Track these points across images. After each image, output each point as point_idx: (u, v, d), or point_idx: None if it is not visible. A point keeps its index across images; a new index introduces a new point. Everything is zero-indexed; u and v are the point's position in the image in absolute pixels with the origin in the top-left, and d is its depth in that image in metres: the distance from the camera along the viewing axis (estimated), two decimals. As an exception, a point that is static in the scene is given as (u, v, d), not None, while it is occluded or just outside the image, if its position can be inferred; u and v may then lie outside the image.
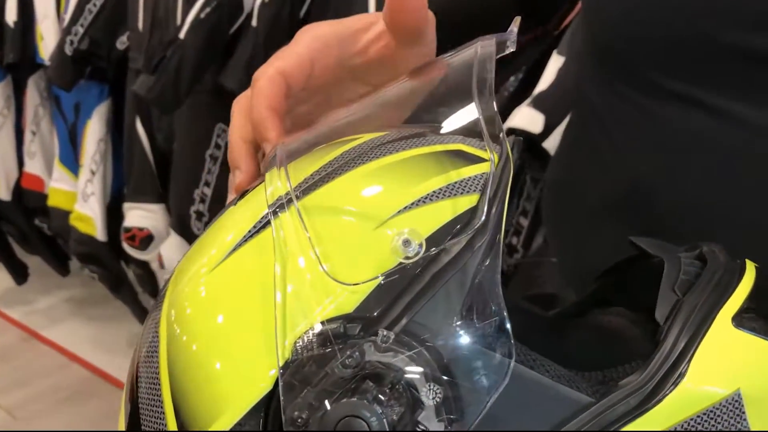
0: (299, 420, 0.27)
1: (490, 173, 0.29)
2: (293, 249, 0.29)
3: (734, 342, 0.29)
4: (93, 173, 1.59)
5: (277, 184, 0.31)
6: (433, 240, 0.28)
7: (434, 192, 0.29)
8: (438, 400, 0.27)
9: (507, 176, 0.29)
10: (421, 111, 0.35)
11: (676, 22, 0.44)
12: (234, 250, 0.31)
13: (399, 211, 0.29)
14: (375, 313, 0.28)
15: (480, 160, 0.30)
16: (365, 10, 1.22)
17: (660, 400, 0.27)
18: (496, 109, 0.30)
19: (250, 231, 0.31)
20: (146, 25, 1.40)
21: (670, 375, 0.28)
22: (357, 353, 0.27)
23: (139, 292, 1.70)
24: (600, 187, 0.53)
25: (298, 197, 0.30)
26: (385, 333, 0.27)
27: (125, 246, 1.51)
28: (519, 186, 1.07)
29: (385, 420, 0.26)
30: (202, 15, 1.24)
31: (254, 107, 0.37)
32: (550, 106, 0.93)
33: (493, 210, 0.28)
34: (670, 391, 0.27)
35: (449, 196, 0.29)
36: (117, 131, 1.60)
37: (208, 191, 1.41)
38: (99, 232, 1.60)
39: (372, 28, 0.40)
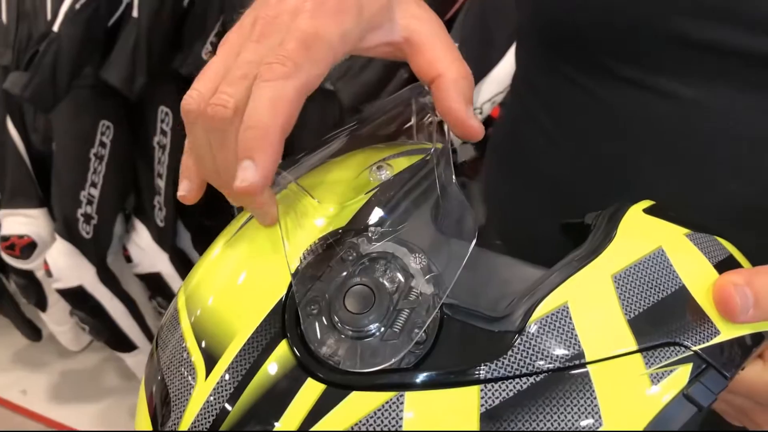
0: (313, 307, 0.31)
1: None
2: (292, 201, 0.35)
3: (647, 221, 0.36)
4: (-41, 179, 1.47)
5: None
6: (401, 173, 0.36)
7: (394, 154, 0.37)
8: (423, 263, 0.32)
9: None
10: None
11: (626, 9, 0.45)
12: (240, 228, 0.37)
13: (370, 165, 0.36)
14: (364, 226, 0.33)
15: (425, 143, 0.38)
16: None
17: (599, 253, 0.33)
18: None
19: (251, 216, 0.37)
20: (11, 17, 1.30)
21: (605, 234, 0.34)
22: (353, 249, 0.32)
23: (22, 303, 1.59)
24: (550, 170, 0.54)
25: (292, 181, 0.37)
26: (374, 229, 0.33)
27: (4, 256, 1.41)
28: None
29: (386, 284, 0.31)
30: (77, 6, 1.16)
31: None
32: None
33: (442, 146, 0.36)
34: (607, 246, 0.33)
35: (406, 155, 0.37)
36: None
37: (95, 192, 1.34)
38: (-29, 243, 1.48)
39: (387, 27, 0.35)
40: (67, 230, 1.34)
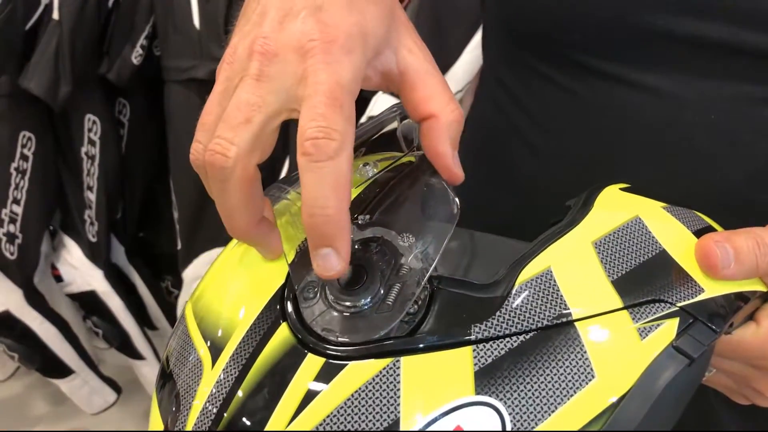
0: (310, 291, 0.33)
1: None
2: (290, 206, 0.36)
3: (623, 197, 0.38)
4: None
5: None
6: (387, 169, 0.38)
7: (380, 159, 0.39)
8: (411, 241, 0.33)
9: None
10: None
11: (601, 5, 0.45)
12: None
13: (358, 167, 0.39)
14: (354, 215, 0.35)
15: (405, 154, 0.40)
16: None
17: (578, 223, 0.35)
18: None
19: None
20: None
21: (582, 210, 0.36)
22: None
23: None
24: (526, 170, 0.54)
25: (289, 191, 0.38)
26: (363, 217, 0.34)
27: None
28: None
29: (380, 263, 0.33)
30: (-9, 9, 1.07)
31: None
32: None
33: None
34: (585, 215, 0.35)
35: (390, 159, 0.39)
36: None
37: (19, 209, 1.24)
38: None
39: (385, 55, 0.34)
40: (-11, 252, 1.24)
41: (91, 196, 1.30)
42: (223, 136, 0.31)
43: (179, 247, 1.31)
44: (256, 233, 0.34)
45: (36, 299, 1.31)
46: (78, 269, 1.33)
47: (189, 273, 1.29)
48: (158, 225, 1.45)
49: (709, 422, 0.52)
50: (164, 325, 1.50)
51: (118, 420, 1.60)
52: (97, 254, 1.34)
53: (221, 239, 1.29)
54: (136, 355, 1.43)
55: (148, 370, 1.46)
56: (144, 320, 1.46)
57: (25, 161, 1.23)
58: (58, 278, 1.35)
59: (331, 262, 0.31)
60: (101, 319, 1.39)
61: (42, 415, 1.69)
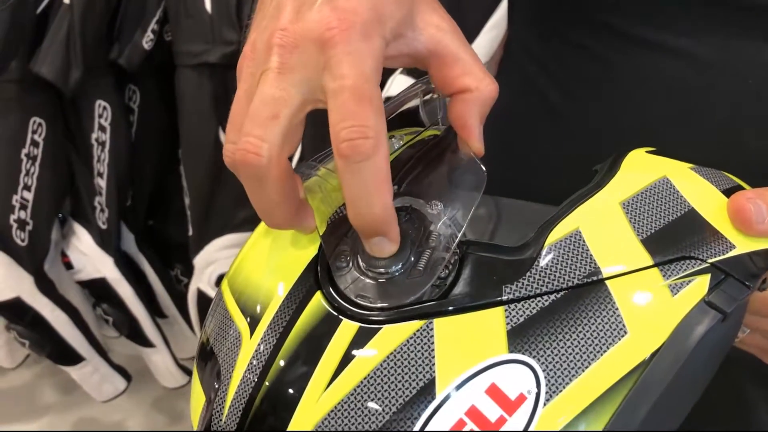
0: (343, 260, 0.34)
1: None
2: (320, 182, 0.37)
3: (649, 159, 0.38)
4: None
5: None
6: (414, 141, 0.39)
7: (406, 134, 0.40)
8: (440, 208, 0.34)
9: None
10: None
11: None
12: None
13: None
14: None
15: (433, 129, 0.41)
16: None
17: (605, 185, 0.35)
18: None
19: None
20: None
21: (609, 172, 0.36)
22: None
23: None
24: (559, 142, 0.53)
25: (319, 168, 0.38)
26: (393, 188, 0.34)
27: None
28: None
29: (409, 231, 0.33)
30: (2, -7, 1.07)
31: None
32: (424, 72, 0.93)
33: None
34: (612, 177, 0.35)
35: (416, 134, 0.40)
36: None
37: (29, 195, 1.24)
38: None
39: (409, 36, 0.34)
40: (0, 238, 1.24)
41: (102, 183, 1.30)
42: (254, 134, 0.30)
43: (190, 233, 1.31)
44: (294, 221, 0.34)
45: (46, 286, 1.31)
46: (88, 256, 1.33)
47: (200, 259, 1.29)
48: (168, 213, 1.44)
49: (737, 398, 0.52)
50: (173, 313, 1.50)
51: (128, 408, 1.60)
52: (107, 241, 1.34)
53: (232, 225, 1.29)
54: (146, 343, 1.43)
55: (157, 358, 1.46)
56: (154, 308, 1.46)
57: (36, 147, 1.23)
58: (69, 265, 1.35)
59: (384, 246, 0.32)
60: (111, 307, 1.39)
61: (51, 403, 1.69)
